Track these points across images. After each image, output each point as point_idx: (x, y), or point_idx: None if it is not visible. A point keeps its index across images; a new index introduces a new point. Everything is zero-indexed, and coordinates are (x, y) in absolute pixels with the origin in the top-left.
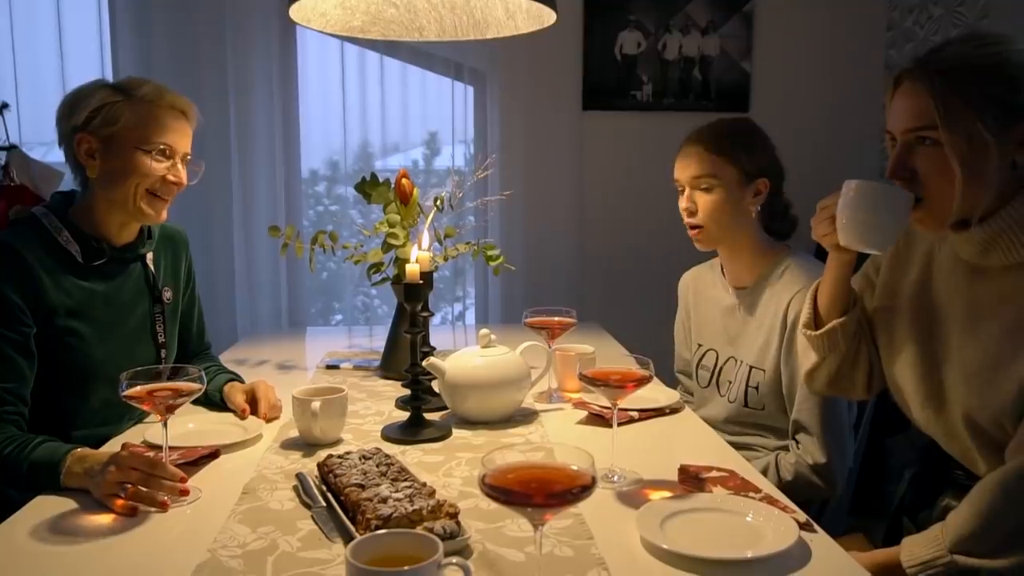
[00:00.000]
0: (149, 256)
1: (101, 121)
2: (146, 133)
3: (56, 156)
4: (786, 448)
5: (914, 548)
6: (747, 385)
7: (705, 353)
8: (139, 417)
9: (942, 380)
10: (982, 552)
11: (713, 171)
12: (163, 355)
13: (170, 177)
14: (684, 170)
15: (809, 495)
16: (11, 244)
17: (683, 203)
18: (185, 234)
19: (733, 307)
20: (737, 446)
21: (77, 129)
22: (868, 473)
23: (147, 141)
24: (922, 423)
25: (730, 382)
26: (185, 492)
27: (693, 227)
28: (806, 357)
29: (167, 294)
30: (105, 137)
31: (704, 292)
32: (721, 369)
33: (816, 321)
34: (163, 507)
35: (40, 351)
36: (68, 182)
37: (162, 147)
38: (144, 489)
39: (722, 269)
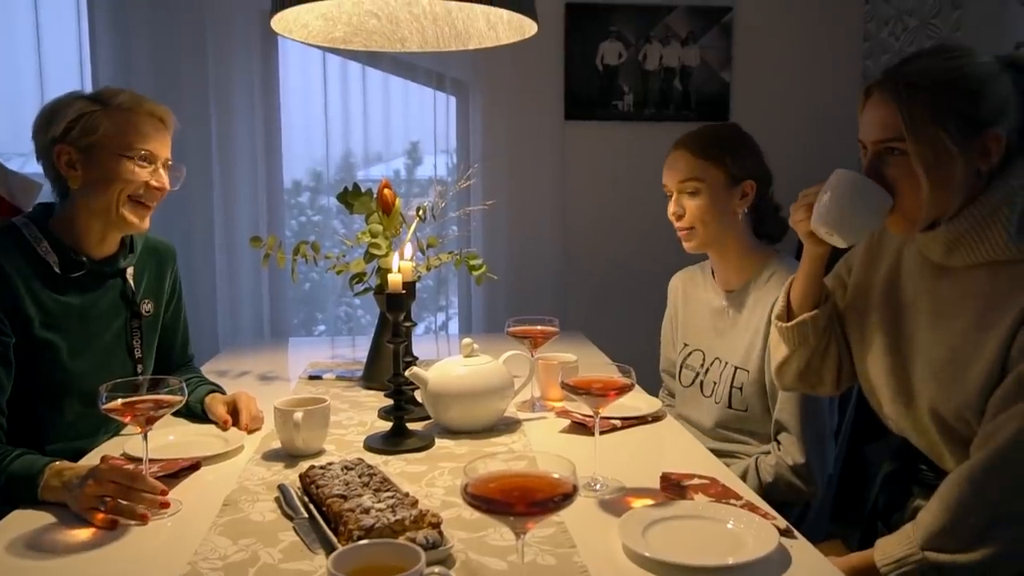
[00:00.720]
0: (129, 271)
1: (80, 131)
2: (127, 140)
3: (34, 167)
4: (767, 452)
5: (886, 548)
6: (731, 386)
7: (691, 353)
8: (115, 430)
9: (910, 376)
10: (953, 547)
11: (699, 174)
12: (139, 369)
13: (153, 183)
14: (671, 175)
15: (790, 497)
16: None
17: (671, 207)
18: (173, 248)
19: (722, 309)
20: (720, 454)
21: (56, 140)
22: (848, 479)
23: (129, 148)
24: (892, 418)
25: (715, 383)
26: (166, 505)
27: (682, 229)
28: (777, 350)
29: (147, 307)
30: (85, 147)
31: (693, 293)
32: (708, 370)
33: (788, 314)
34: (143, 520)
35: (19, 364)
36: (47, 193)
37: (143, 153)
38: (124, 502)
39: (712, 272)
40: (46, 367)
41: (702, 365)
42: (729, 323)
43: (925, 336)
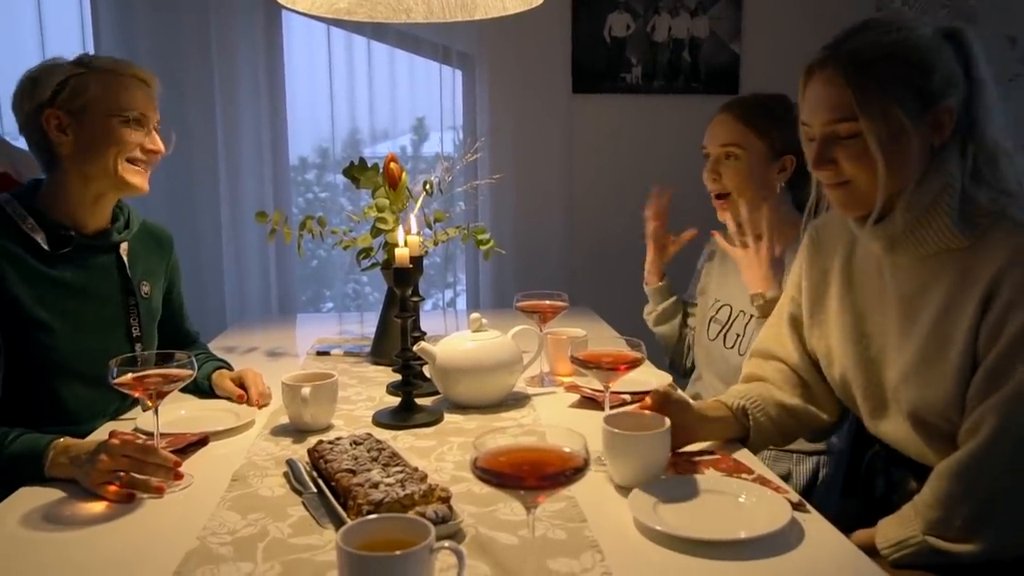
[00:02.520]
0: (123, 247)
1: (69, 93)
2: (118, 102)
3: None
4: None
5: (888, 530)
6: (753, 332)
7: (720, 308)
8: (112, 414)
9: (884, 385)
10: (950, 537)
11: (739, 140)
12: (138, 349)
13: (148, 145)
14: (712, 138)
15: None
16: None
17: (707, 172)
18: (170, 235)
19: None
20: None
21: (44, 105)
22: (858, 455)
23: (120, 109)
24: (874, 431)
25: (738, 335)
26: (179, 476)
27: (719, 196)
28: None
29: (144, 288)
30: (76, 109)
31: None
32: (732, 323)
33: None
34: (159, 492)
35: (7, 345)
36: None
37: (135, 115)
38: (139, 476)
39: None
40: (40, 347)
41: (728, 318)
42: None
43: (891, 339)
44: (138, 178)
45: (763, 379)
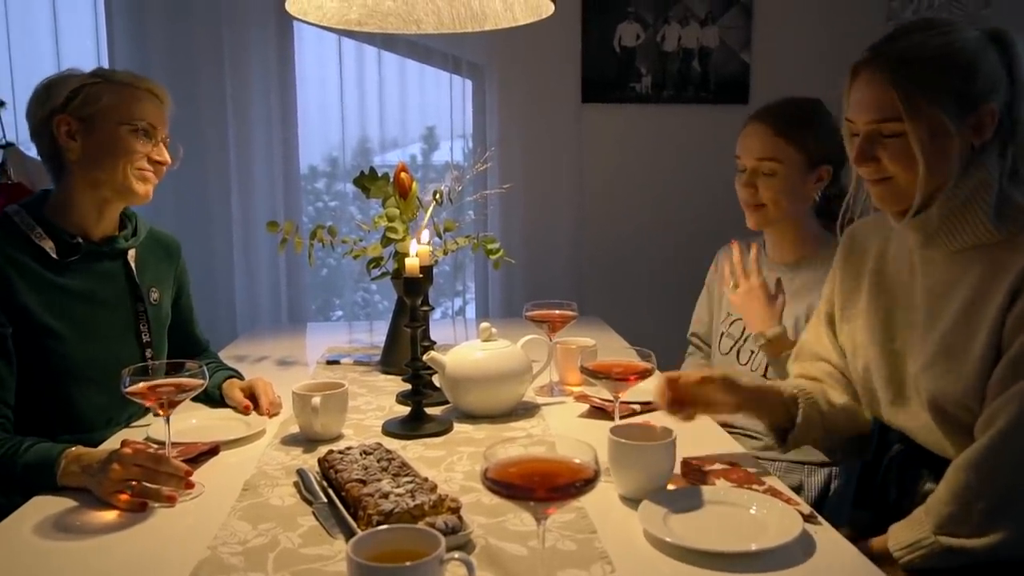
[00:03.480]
0: (131, 254)
1: (82, 101)
2: (129, 111)
3: None
4: None
5: (899, 534)
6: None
7: (734, 322)
8: (125, 422)
9: (905, 375)
10: (965, 532)
11: (777, 154)
12: (149, 355)
13: (155, 156)
14: (747, 150)
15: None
16: None
17: (742, 185)
18: (178, 243)
19: (770, 282)
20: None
21: (56, 112)
22: (870, 466)
23: (131, 118)
24: (893, 421)
25: (752, 351)
26: (191, 485)
27: (753, 208)
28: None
29: (154, 295)
30: (86, 116)
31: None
32: (746, 339)
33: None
34: (171, 502)
35: (20, 353)
36: None
37: (144, 126)
38: (150, 485)
39: (763, 245)
40: (52, 354)
41: (742, 334)
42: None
43: (916, 332)
44: (143, 186)
45: (815, 378)
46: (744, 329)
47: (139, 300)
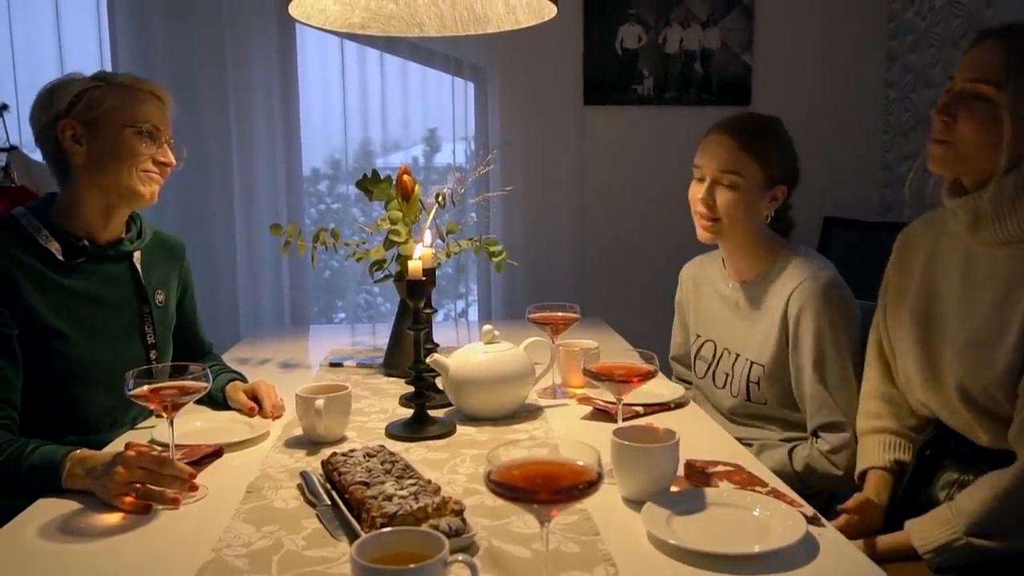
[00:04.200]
0: (136, 256)
1: (85, 105)
2: (133, 113)
3: None
4: (792, 440)
5: (925, 532)
6: (748, 380)
7: (704, 344)
8: (131, 423)
9: (939, 359)
10: (998, 535)
11: (740, 168)
12: (153, 356)
13: (160, 158)
14: (710, 160)
15: (824, 486)
16: None
17: (700, 193)
18: (182, 244)
19: (735, 301)
20: (743, 439)
21: (60, 116)
22: None
23: (135, 120)
24: (924, 402)
25: (727, 374)
26: (194, 488)
27: (705, 219)
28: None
29: (159, 297)
30: (91, 120)
31: (705, 283)
32: (719, 361)
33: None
34: (175, 504)
35: (26, 355)
36: None
37: (148, 128)
38: (155, 488)
39: (723, 262)
40: (58, 356)
41: (714, 356)
42: (742, 316)
43: (954, 319)
44: (147, 188)
45: (887, 427)
46: (715, 350)
47: (144, 302)
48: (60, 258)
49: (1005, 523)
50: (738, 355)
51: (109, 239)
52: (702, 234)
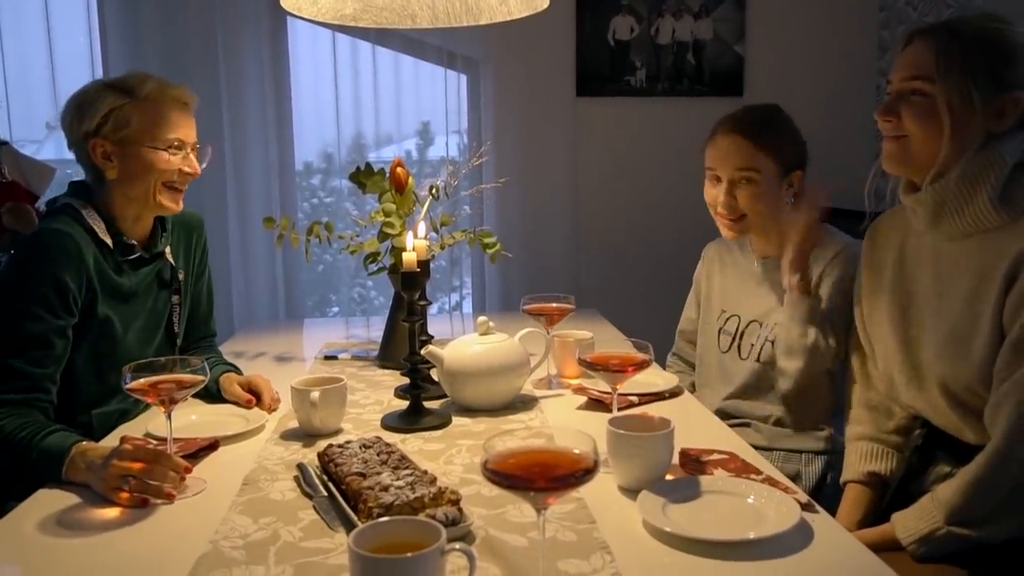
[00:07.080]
0: (167, 250)
1: (112, 126)
2: (158, 132)
3: (47, 153)
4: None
5: (908, 523)
6: (766, 340)
7: (729, 318)
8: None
9: (919, 358)
10: (976, 521)
11: (756, 164)
12: (177, 343)
13: (186, 168)
14: (725, 161)
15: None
16: (68, 232)
17: (720, 196)
18: (200, 218)
19: (758, 275)
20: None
21: (90, 135)
22: None
23: (161, 139)
24: (909, 403)
25: (752, 345)
26: (183, 479)
27: (732, 218)
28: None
29: (180, 275)
30: (119, 140)
31: (730, 260)
32: (743, 333)
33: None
34: (169, 498)
35: (76, 338)
36: (60, 178)
37: (174, 142)
38: (150, 482)
39: (749, 241)
40: (103, 342)
41: (737, 329)
42: (766, 289)
43: (930, 319)
44: (171, 201)
45: (866, 433)
46: (739, 323)
47: (175, 293)
48: (113, 251)
49: (982, 511)
50: (764, 324)
51: (141, 237)
52: (728, 234)
